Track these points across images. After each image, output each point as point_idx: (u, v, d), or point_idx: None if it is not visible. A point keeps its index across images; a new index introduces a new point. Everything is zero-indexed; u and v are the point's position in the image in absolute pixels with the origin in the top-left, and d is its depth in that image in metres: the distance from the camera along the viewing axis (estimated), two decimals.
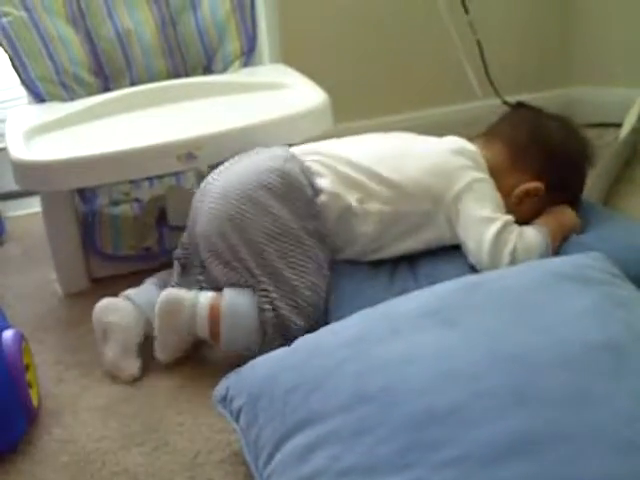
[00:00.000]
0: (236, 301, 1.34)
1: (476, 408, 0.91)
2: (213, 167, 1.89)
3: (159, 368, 1.40)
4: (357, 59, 2.36)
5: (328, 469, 0.90)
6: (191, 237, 1.46)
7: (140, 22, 1.95)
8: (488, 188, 1.44)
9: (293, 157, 1.45)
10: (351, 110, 2.17)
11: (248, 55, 2.02)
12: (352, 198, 1.40)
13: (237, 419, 1.07)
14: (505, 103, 2.53)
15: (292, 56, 2.05)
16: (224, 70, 2.00)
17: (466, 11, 2.32)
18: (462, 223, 1.41)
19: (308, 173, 1.42)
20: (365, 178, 1.42)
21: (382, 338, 1.06)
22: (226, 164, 1.50)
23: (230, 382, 1.13)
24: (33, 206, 2.01)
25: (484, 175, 1.45)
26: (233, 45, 2.00)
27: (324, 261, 1.39)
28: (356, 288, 1.36)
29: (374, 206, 1.40)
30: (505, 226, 1.38)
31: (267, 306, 1.32)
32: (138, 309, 1.42)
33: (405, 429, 0.91)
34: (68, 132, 1.69)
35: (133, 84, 1.94)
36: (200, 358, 1.42)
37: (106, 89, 1.93)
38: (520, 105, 1.63)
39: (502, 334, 1.03)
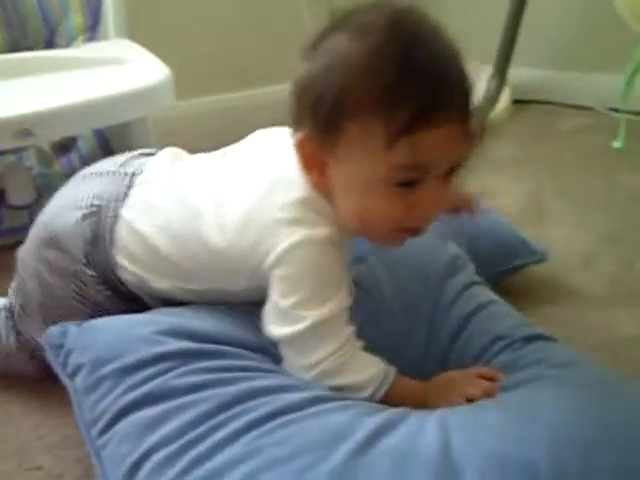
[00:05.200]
0: None
1: None
2: (55, 144, 1.86)
3: None
4: (203, 34, 2.36)
5: (175, 439, 0.88)
6: None
7: None
8: (308, 258, 0.99)
9: None
10: (195, 86, 2.16)
11: (92, 30, 1.97)
12: None
13: (72, 376, 1.01)
14: None
15: (138, 32, 2.02)
16: (67, 45, 1.95)
17: None
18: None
19: None
20: None
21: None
22: None
23: (71, 332, 1.04)
24: None
25: (309, 231, 0.98)
26: (76, 19, 1.95)
27: None
28: None
29: None
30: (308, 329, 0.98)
31: None
32: None
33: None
34: None
35: None
36: None
37: None
38: None
39: None
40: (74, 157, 1.86)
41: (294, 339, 0.98)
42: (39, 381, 1.17)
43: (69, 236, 1.13)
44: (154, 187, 1.12)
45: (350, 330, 1.00)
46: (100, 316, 1.07)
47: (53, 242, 1.14)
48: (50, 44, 1.95)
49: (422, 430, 0.85)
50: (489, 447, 0.82)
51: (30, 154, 1.89)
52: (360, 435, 0.84)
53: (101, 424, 0.93)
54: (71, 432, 1.10)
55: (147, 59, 1.79)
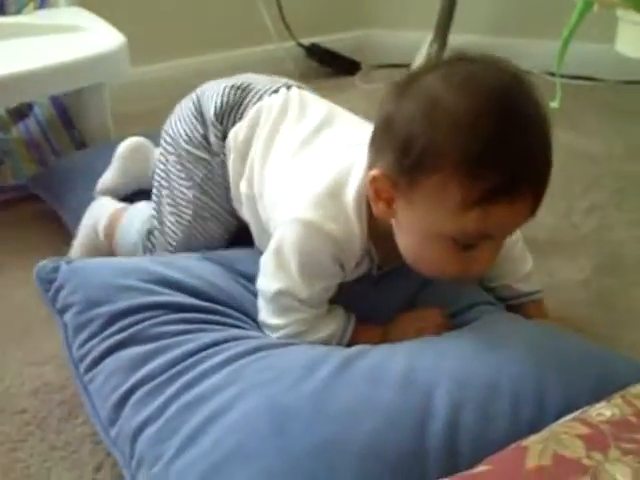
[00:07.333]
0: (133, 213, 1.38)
1: None
2: (12, 110, 1.89)
3: None
4: (152, 1, 2.38)
5: (162, 373, 0.93)
6: None
7: None
8: (299, 238, 1.02)
9: None
10: (148, 53, 2.19)
11: None
12: None
13: (61, 312, 1.04)
14: (299, 45, 2.62)
15: None
16: (18, 12, 1.96)
17: None
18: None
19: None
20: None
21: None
22: None
23: (62, 269, 1.07)
24: None
25: (319, 220, 1.01)
26: None
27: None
28: None
29: None
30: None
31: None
32: None
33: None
34: None
35: None
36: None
37: None
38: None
39: None
40: (31, 123, 1.89)
41: (269, 296, 1.04)
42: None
43: (209, 97, 1.27)
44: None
45: (323, 308, 1.07)
46: None
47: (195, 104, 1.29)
48: (0, 11, 1.97)
49: (392, 355, 0.94)
50: (453, 368, 0.91)
51: None
52: (335, 361, 0.92)
53: (89, 360, 0.98)
54: (51, 378, 1.16)
55: (101, 27, 1.81)
